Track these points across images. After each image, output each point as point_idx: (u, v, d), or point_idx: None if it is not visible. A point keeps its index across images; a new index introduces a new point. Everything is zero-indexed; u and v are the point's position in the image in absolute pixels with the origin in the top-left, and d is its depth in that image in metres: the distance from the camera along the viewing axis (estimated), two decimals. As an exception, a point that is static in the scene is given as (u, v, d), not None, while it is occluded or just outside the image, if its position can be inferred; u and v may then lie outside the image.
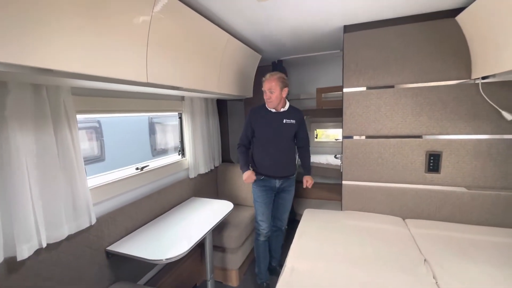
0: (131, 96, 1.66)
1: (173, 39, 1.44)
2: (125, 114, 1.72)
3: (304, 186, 2.04)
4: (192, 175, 2.23)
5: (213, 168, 2.55)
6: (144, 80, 1.28)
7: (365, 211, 2.00)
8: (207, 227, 1.65)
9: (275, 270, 2.25)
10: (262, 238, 2.04)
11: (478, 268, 1.29)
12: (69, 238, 1.25)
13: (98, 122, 2.60)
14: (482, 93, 1.63)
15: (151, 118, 3.12)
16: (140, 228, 1.67)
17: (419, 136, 1.81)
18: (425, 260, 1.39)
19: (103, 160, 2.66)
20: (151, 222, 1.76)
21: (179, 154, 2.25)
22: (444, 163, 1.78)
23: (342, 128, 2.01)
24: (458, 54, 1.66)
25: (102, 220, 1.44)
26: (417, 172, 1.84)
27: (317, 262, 1.40)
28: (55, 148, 1.15)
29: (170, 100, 2.03)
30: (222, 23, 1.78)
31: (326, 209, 2.14)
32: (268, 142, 1.93)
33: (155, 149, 3.20)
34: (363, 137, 1.94)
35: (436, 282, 1.22)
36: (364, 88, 1.89)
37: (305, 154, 2.08)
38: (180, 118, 2.21)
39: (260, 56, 2.55)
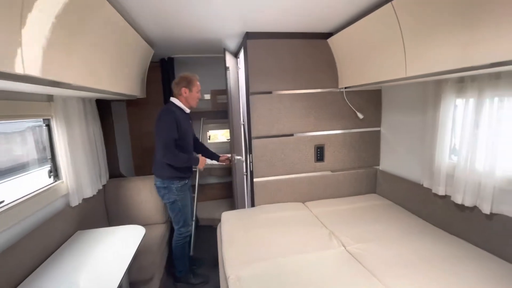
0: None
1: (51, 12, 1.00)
2: None
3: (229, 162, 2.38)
4: (74, 203, 1.67)
5: (100, 188, 2.01)
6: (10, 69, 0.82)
7: (274, 203, 2.22)
8: (118, 271, 1.23)
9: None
10: (187, 240, 2.10)
11: (364, 228, 1.75)
12: None
13: None
14: (345, 99, 2.20)
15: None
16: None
17: (310, 133, 2.21)
18: (330, 232, 1.73)
19: None
20: None
21: (50, 177, 1.61)
22: (326, 153, 2.26)
23: (246, 129, 2.12)
24: (331, 68, 2.15)
25: None
26: (309, 163, 2.24)
27: (258, 264, 1.43)
28: None
29: (27, 101, 1.41)
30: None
31: (223, 208, 2.27)
32: (189, 145, 2.03)
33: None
34: (269, 137, 2.14)
35: (345, 248, 1.56)
36: (268, 93, 2.08)
37: (202, 146, 2.36)
38: (48, 125, 1.59)
39: (153, 52, 2.23)
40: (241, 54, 2.46)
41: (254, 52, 2.01)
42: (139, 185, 2.26)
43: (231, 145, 2.34)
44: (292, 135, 2.18)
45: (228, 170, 3.16)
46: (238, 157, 2.37)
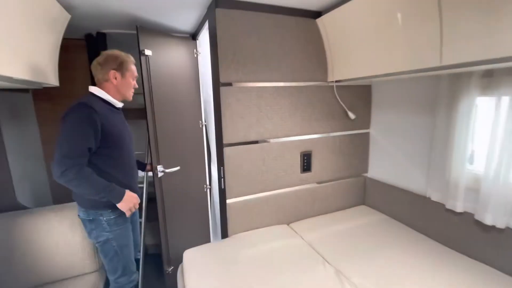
0: None
1: None
2: None
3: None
4: None
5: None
6: None
7: (253, 229, 1.71)
8: None
9: None
10: None
11: (375, 259, 1.37)
12: None
13: None
14: (336, 95, 1.81)
15: None
16: None
17: (296, 137, 1.76)
18: (336, 271, 1.31)
19: None
20: None
21: None
22: (314, 161, 1.85)
23: (212, 133, 1.56)
24: (320, 56, 1.73)
25: None
26: (295, 174, 1.79)
27: None
28: None
29: None
30: None
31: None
32: (130, 158, 1.42)
33: None
34: (246, 144, 1.61)
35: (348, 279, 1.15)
36: (244, 84, 1.55)
37: None
38: None
39: (69, 17, 1.48)
40: (203, 33, 1.88)
41: (225, 26, 1.45)
42: (53, 220, 1.50)
43: (152, 152, 1.75)
44: (273, 140, 1.69)
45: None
46: (170, 170, 1.80)
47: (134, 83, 1.43)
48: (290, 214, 1.82)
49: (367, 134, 2.03)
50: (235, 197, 1.63)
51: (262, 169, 1.67)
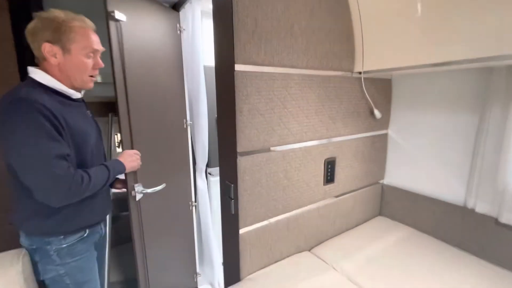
0: None
1: None
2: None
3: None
4: None
5: None
6: None
7: (271, 263, 1.30)
8: None
9: None
10: None
11: (413, 274, 1.09)
12: None
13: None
14: (364, 89, 1.50)
15: None
16: None
17: (321, 140, 1.39)
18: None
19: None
20: None
21: None
22: (337, 169, 1.51)
23: (233, 137, 1.10)
24: (349, 39, 1.39)
25: None
26: (318, 187, 1.43)
27: None
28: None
29: None
30: None
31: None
32: (97, 160, 1.07)
33: None
34: (265, 152, 1.18)
35: None
36: (267, 69, 1.11)
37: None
38: None
39: None
40: (190, 4, 1.40)
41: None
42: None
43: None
44: (297, 146, 1.30)
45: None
46: (152, 189, 1.31)
47: (90, 62, 0.95)
48: (311, 236, 1.46)
49: (385, 135, 1.77)
50: (251, 224, 1.19)
51: (284, 183, 1.26)
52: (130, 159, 1.15)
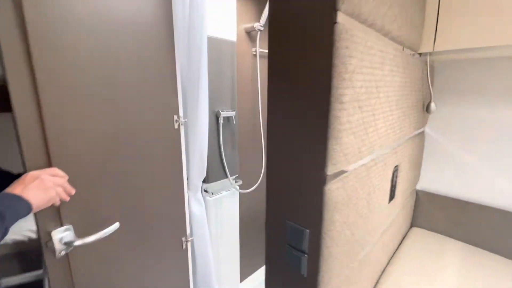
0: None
1: None
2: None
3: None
4: None
5: None
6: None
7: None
8: None
9: None
10: None
11: None
12: None
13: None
14: (428, 75, 1.16)
15: None
16: None
17: (392, 144, 1.00)
18: None
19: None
20: None
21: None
22: (398, 180, 1.15)
23: (324, 156, 0.61)
24: (419, 6, 1.02)
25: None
26: (382, 206, 1.04)
27: None
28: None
29: None
30: None
31: None
32: None
33: None
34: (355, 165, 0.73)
35: None
36: (369, 31, 0.65)
37: None
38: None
39: None
40: None
41: None
42: None
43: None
44: (380, 154, 0.88)
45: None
46: (90, 238, 0.78)
47: None
48: (373, 268, 1.07)
49: (422, 133, 1.50)
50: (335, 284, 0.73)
51: (364, 214, 0.83)
52: (40, 186, 0.61)
